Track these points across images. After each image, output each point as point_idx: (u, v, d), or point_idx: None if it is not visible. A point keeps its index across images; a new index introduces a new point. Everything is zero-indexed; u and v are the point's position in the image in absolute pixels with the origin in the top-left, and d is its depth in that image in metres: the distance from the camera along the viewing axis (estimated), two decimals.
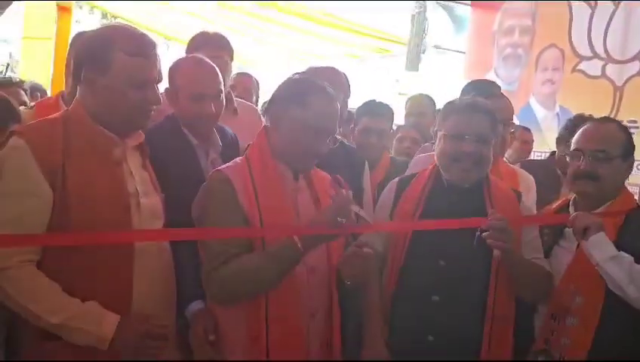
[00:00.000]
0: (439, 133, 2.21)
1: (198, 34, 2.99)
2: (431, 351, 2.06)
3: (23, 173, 1.71)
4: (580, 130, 2.23)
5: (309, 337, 1.94)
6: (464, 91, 2.88)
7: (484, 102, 2.23)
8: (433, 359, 2.05)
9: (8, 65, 6.04)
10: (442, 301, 2.07)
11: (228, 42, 2.96)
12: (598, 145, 2.14)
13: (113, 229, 1.78)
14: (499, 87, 3.23)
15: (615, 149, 2.14)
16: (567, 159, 2.25)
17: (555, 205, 2.35)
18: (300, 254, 1.84)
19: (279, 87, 2.03)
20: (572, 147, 2.21)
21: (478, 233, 1.99)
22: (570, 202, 2.28)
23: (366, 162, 2.70)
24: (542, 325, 2.15)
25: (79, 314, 1.72)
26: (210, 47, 2.83)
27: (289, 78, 2.04)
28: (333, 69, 2.65)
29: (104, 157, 1.82)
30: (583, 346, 2.01)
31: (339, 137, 2.03)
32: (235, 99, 3.02)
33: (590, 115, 3.21)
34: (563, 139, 3.32)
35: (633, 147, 2.20)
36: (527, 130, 4.73)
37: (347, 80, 2.64)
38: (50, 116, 1.91)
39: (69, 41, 7.00)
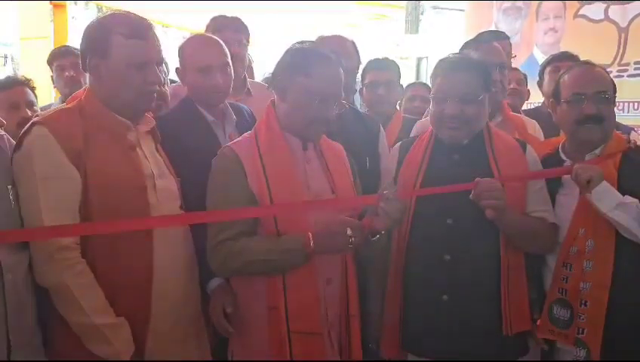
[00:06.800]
0: (431, 95, 2.21)
1: (215, 17, 3.03)
2: (447, 310, 2.07)
3: (53, 159, 1.77)
4: (571, 74, 2.19)
5: (326, 304, 1.97)
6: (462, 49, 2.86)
7: (470, 58, 2.19)
8: (450, 318, 2.07)
9: (6, 56, 6.07)
10: (454, 259, 2.07)
11: (244, 25, 3.01)
12: (600, 86, 2.12)
13: (131, 210, 1.83)
14: (494, 32, 3.21)
15: (611, 90, 2.14)
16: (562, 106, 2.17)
17: (544, 152, 2.29)
18: (309, 255, 1.88)
19: (282, 57, 2.03)
20: (569, 92, 2.15)
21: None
22: (560, 148, 2.26)
23: (381, 127, 2.70)
24: (554, 274, 2.15)
25: (117, 324, 1.79)
26: (228, 30, 2.90)
27: (290, 48, 2.04)
28: (340, 37, 2.65)
29: (119, 142, 1.89)
30: (603, 287, 2.02)
31: (344, 102, 2.03)
32: (248, 80, 3.07)
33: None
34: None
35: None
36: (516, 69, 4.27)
37: (355, 47, 2.64)
38: (65, 106, 1.98)
39: (68, 37, 6.99)
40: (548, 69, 3.30)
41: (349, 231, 1.86)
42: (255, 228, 1.95)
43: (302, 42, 2.07)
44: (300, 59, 1.97)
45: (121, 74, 1.86)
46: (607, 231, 2.03)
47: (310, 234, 1.87)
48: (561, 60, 3.20)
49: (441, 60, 2.21)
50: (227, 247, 1.91)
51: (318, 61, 1.95)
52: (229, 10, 3.16)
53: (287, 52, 2.03)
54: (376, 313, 2.29)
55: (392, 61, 3.43)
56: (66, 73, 3.48)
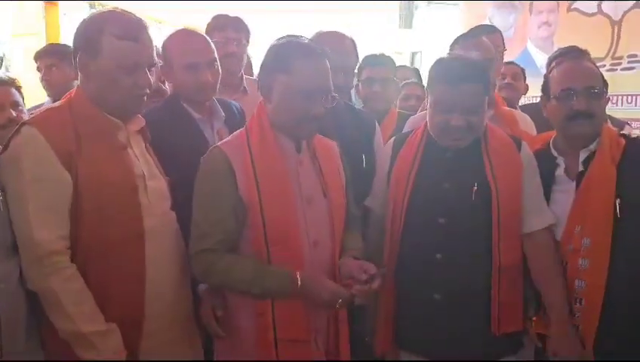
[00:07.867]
0: (430, 97, 2.13)
1: (215, 17, 3.01)
2: (438, 309, 2.06)
3: (43, 160, 1.74)
4: (560, 69, 2.17)
5: (314, 310, 1.92)
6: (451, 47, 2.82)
7: (473, 63, 2.10)
8: (442, 317, 2.06)
9: (2, 59, 6.04)
10: (445, 258, 2.05)
11: (245, 24, 2.99)
12: (590, 81, 2.10)
13: (123, 211, 1.81)
14: (484, 27, 3.19)
15: (601, 85, 2.12)
16: (552, 102, 2.14)
17: (535, 148, 2.25)
18: (296, 293, 1.84)
19: (265, 55, 1.95)
20: (558, 88, 2.12)
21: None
22: (551, 143, 2.23)
23: (377, 124, 2.66)
24: None
25: (106, 332, 1.77)
26: (229, 29, 2.89)
27: (272, 45, 1.95)
28: (338, 33, 2.58)
29: (110, 142, 1.86)
30: (598, 285, 2.00)
31: (336, 95, 1.96)
32: (244, 77, 3.05)
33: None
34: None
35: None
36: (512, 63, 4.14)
37: (354, 45, 2.59)
38: (55, 105, 1.94)
39: (60, 34, 6.93)
40: (554, 64, 3.27)
41: (339, 301, 1.85)
42: (237, 236, 1.90)
43: (283, 37, 1.97)
44: (279, 56, 1.88)
45: (110, 75, 1.82)
46: (604, 229, 2.01)
47: (299, 280, 1.84)
48: (569, 55, 3.16)
49: (438, 63, 2.12)
50: (209, 259, 1.87)
51: (297, 55, 1.85)
52: (227, 8, 3.14)
53: (268, 49, 1.95)
54: (370, 309, 2.28)
55: (389, 57, 3.40)
56: (44, 74, 3.41)
